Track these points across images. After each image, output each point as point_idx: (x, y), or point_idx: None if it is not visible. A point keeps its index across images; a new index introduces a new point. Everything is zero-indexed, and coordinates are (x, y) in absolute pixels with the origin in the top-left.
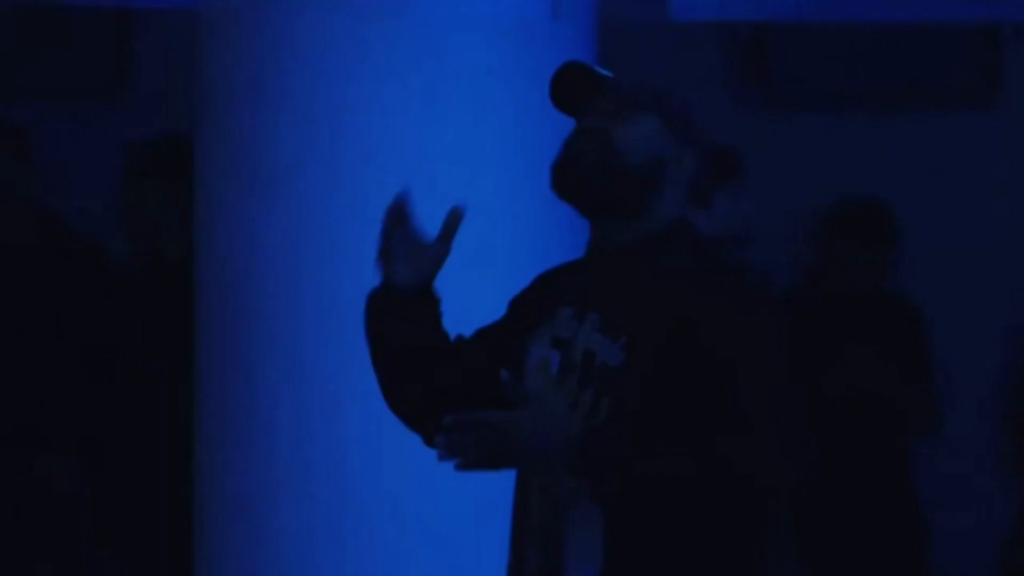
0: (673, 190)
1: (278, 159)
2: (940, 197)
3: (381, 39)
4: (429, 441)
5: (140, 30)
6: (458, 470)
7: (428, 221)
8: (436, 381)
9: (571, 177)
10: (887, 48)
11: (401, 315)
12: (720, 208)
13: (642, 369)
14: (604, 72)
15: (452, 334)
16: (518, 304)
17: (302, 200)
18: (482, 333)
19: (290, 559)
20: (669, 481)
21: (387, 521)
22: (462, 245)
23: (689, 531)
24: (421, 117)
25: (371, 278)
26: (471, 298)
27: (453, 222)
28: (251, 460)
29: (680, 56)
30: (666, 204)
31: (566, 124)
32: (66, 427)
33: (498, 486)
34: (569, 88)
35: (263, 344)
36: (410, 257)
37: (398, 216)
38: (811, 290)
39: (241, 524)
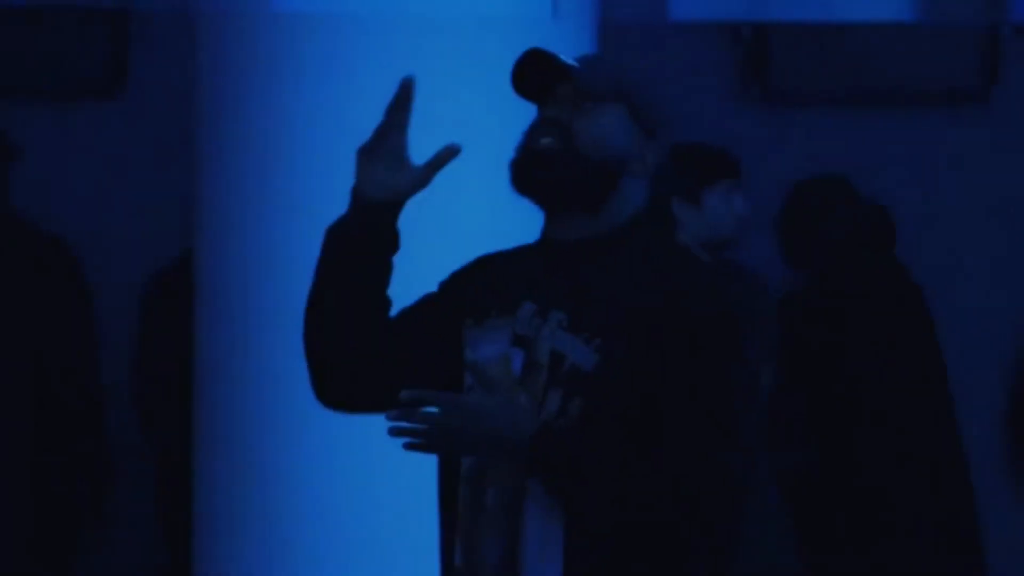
0: (635, 184)
1: (278, 159)
2: (940, 197)
3: (381, 39)
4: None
5: (138, 31)
6: (407, 449)
7: (427, 220)
8: (370, 348)
9: (530, 172)
10: (887, 48)
11: (361, 236)
12: (709, 207)
13: (617, 371)
14: (568, 61)
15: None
16: (451, 287)
17: (302, 200)
18: (410, 313)
19: (289, 559)
20: (622, 485)
21: (386, 521)
22: (463, 244)
23: (651, 527)
24: (421, 117)
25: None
26: None
27: (446, 155)
28: (250, 460)
29: (680, 56)
30: (628, 198)
31: None
32: (63, 424)
33: None
34: (532, 76)
35: (263, 344)
36: (390, 163)
37: (402, 99)
38: (811, 290)
39: (240, 524)
